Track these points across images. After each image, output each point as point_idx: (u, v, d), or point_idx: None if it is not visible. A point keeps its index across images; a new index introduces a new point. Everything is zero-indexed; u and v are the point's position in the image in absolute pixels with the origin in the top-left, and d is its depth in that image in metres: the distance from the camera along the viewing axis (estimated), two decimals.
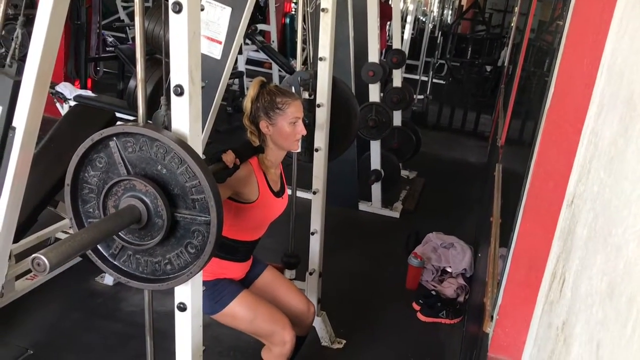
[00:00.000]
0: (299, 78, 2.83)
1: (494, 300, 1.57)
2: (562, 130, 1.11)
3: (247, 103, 2.00)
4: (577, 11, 1.26)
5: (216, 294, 2.02)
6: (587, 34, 1.05)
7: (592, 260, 0.65)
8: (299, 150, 2.12)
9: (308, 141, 2.79)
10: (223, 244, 1.95)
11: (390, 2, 8.98)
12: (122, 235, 1.45)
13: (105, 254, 1.50)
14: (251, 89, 2.00)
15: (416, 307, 3.36)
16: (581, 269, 0.70)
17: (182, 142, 1.35)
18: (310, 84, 2.76)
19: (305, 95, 2.77)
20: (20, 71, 1.95)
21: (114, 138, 1.39)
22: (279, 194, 2.09)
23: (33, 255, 1.13)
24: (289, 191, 2.26)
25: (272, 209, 2.09)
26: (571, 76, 1.16)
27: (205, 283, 1.97)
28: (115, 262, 1.50)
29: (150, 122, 1.50)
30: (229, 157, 1.82)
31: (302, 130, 2.00)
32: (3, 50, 4.18)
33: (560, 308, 0.76)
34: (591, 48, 0.95)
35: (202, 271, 1.70)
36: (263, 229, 2.14)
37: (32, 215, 2.80)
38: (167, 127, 1.42)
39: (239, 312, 2.02)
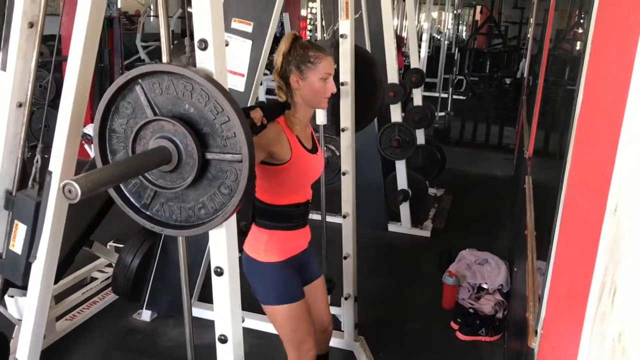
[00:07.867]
0: None
1: (537, 315, 1.54)
2: (595, 139, 1.10)
3: (277, 57, 1.95)
4: (601, 15, 1.25)
5: (278, 286, 2.00)
6: (613, 38, 1.04)
7: None
8: (326, 107, 2.05)
9: (334, 114, 2.73)
10: (277, 212, 1.98)
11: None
12: (152, 180, 1.43)
13: (137, 204, 1.48)
14: (282, 43, 1.94)
15: (454, 326, 3.31)
16: (634, 277, 0.69)
17: (208, 77, 1.34)
18: (332, 54, 2.71)
19: None
20: (41, 191, 1.98)
21: (139, 80, 1.38)
22: (312, 150, 2.04)
23: (64, 181, 1.11)
24: (321, 217, 2.25)
25: (309, 166, 2.03)
26: (599, 81, 1.15)
27: (275, 265, 1.98)
28: (148, 213, 1.48)
29: None
30: (257, 114, 1.77)
31: (332, 87, 1.94)
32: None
33: (615, 318, 0.74)
34: (618, 52, 0.94)
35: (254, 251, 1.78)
36: (306, 189, 2.08)
37: (69, 256, 2.84)
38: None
39: (287, 317, 2.01)
